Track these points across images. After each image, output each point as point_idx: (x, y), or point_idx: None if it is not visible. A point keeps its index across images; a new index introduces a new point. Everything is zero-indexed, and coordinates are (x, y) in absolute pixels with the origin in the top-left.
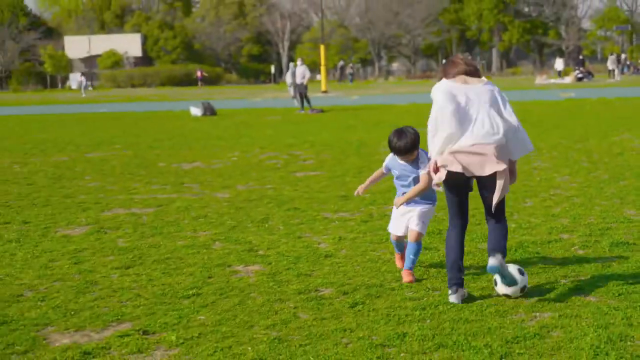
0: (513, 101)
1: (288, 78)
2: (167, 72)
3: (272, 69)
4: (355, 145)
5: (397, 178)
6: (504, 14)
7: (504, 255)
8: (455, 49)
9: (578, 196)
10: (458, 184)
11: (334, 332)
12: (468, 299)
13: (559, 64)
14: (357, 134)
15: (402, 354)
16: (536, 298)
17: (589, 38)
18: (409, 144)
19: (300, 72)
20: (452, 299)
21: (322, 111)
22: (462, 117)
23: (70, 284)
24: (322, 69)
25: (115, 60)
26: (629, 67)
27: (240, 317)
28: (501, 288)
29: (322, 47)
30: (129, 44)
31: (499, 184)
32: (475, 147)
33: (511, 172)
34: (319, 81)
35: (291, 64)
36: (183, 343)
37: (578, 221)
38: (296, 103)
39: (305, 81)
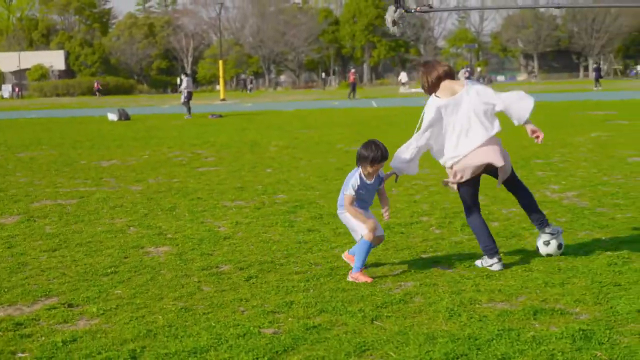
0: (382, 107)
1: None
2: (87, 83)
3: (178, 80)
4: (249, 145)
5: (360, 199)
6: (373, 34)
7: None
8: (333, 64)
9: (435, 185)
10: (475, 179)
11: (232, 302)
12: (344, 273)
13: (403, 76)
14: (251, 135)
15: (289, 319)
16: (400, 270)
17: (443, 54)
18: (386, 150)
19: (186, 84)
20: (497, 267)
21: (220, 116)
22: (452, 131)
23: (4, 265)
24: (221, 80)
25: (42, 73)
26: (483, 78)
27: (152, 291)
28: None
29: (220, 62)
30: (54, 59)
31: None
32: (474, 150)
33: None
34: (218, 91)
35: (183, 75)
36: (103, 314)
37: (435, 206)
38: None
39: (189, 91)
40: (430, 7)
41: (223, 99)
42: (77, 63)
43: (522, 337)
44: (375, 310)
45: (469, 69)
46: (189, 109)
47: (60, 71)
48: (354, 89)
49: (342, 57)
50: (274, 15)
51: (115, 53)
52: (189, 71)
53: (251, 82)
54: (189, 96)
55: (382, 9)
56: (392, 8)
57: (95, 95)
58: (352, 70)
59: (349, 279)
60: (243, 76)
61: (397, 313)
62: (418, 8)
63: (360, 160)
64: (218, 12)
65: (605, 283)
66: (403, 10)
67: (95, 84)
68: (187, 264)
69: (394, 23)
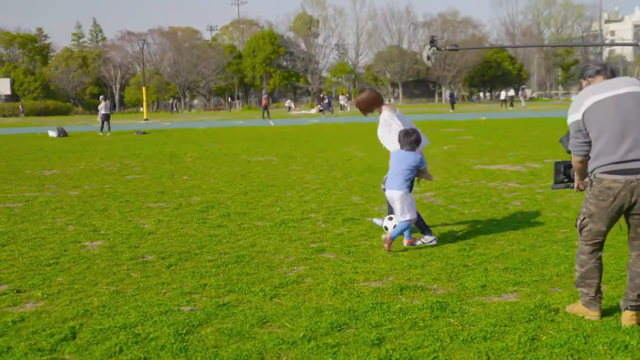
0: (277, 126)
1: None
2: (30, 106)
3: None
4: (168, 156)
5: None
6: (270, 66)
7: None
8: (237, 90)
9: (321, 188)
10: None
11: (155, 285)
12: (248, 260)
13: (288, 102)
14: (170, 148)
15: (203, 298)
16: (293, 257)
17: (327, 82)
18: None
19: (102, 106)
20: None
21: (144, 133)
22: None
23: None
24: (144, 103)
25: None
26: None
27: (88, 278)
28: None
29: (143, 89)
30: (1, 86)
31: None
32: None
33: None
34: (142, 112)
35: (101, 98)
36: (47, 297)
37: (321, 205)
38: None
39: (104, 112)
40: (456, 47)
41: (146, 119)
42: (22, 89)
43: (392, 309)
44: (274, 290)
45: (347, 95)
46: (101, 127)
47: (6, 96)
48: (266, 109)
49: (244, 84)
50: (187, 50)
51: (54, 80)
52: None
53: (177, 105)
54: (105, 117)
55: (276, 45)
56: (427, 47)
57: (21, 116)
58: (265, 95)
59: (406, 244)
60: (171, 100)
61: (291, 292)
62: (447, 47)
63: (416, 143)
64: (141, 47)
65: (457, 265)
66: (435, 48)
67: (20, 107)
68: (117, 255)
69: (428, 58)
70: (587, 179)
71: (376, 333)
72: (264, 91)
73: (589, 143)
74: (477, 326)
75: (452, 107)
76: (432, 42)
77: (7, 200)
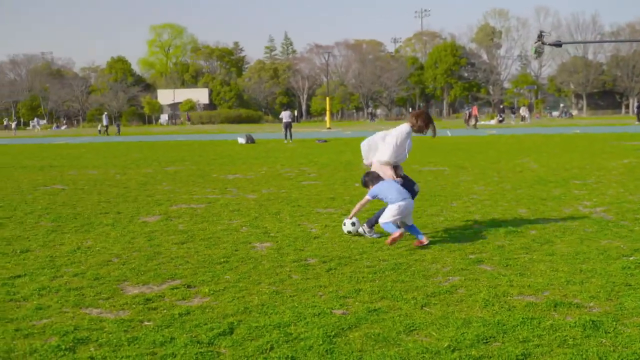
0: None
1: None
2: (225, 114)
3: (296, 112)
4: (344, 164)
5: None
6: (451, 77)
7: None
8: (418, 100)
9: (488, 200)
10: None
11: (313, 288)
12: (405, 268)
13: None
14: (346, 156)
15: (356, 303)
16: (450, 267)
17: (508, 94)
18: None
19: (284, 115)
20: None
21: (325, 141)
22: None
23: (143, 254)
24: (328, 113)
25: (191, 106)
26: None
27: (253, 277)
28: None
29: (327, 99)
30: (200, 95)
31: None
32: None
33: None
34: (325, 121)
35: (283, 108)
36: (213, 293)
37: (486, 216)
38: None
39: (286, 121)
40: (559, 42)
41: (329, 128)
42: (218, 98)
43: (542, 325)
44: (425, 299)
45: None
46: (284, 135)
47: (204, 104)
48: (476, 119)
49: (425, 95)
50: (371, 62)
51: (247, 90)
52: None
53: (374, 114)
54: (286, 125)
55: (458, 57)
56: (534, 42)
57: (187, 124)
58: (475, 106)
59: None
60: (371, 110)
61: (442, 301)
62: (549, 42)
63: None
64: (327, 59)
65: (618, 283)
66: (541, 43)
67: (187, 116)
68: (282, 257)
69: (536, 51)
70: None
71: (522, 348)
72: (474, 104)
73: None
74: (630, 348)
75: (639, 119)
76: (540, 36)
77: (192, 201)
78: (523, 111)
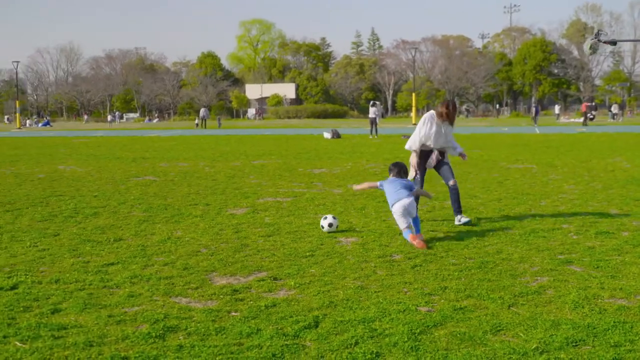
0: (545, 134)
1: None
2: (312, 108)
3: (381, 108)
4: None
5: None
6: (540, 73)
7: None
8: (505, 97)
9: (578, 199)
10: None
11: (398, 284)
12: (492, 266)
13: (556, 109)
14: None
15: (442, 301)
16: (538, 267)
17: (599, 91)
18: None
19: (372, 111)
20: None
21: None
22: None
23: (231, 245)
24: (413, 109)
25: (278, 100)
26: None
27: (338, 272)
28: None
29: (413, 95)
30: (287, 90)
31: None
32: None
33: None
34: (411, 117)
35: (370, 103)
36: (298, 286)
37: (575, 216)
38: (371, 131)
39: (373, 116)
40: (614, 40)
41: (415, 124)
42: (304, 93)
43: (635, 329)
44: (513, 299)
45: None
46: (370, 130)
47: (291, 99)
48: (589, 118)
49: (513, 91)
50: (458, 58)
51: (333, 86)
52: (387, 101)
53: (470, 110)
54: (372, 120)
55: (548, 53)
56: (589, 38)
57: (256, 119)
58: (587, 103)
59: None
60: (465, 106)
61: (530, 302)
62: (604, 40)
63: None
64: (413, 55)
65: None
66: (597, 40)
67: (257, 111)
68: (367, 252)
69: (590, 47)
70: None
71: (614, 353)
72: (586, 100)
73: None
74: None
75: None
76: (598, 34)
77: (278, 195)
78: (614, 109)
